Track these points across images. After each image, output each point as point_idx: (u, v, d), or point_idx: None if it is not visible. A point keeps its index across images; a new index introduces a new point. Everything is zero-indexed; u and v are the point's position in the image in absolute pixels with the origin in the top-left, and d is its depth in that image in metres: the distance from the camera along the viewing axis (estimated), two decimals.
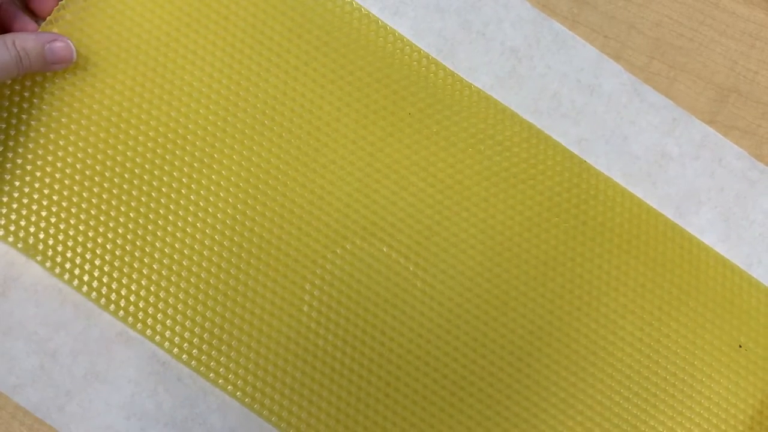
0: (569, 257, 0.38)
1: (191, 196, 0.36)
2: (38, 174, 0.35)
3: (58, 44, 0.35)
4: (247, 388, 0.35)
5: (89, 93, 0.36)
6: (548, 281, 0.37)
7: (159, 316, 0.35)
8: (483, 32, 0.39)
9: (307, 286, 0.36)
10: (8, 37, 0.33)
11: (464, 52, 0.39)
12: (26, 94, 0.36)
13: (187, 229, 0.36)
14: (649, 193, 0.39)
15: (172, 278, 0.35)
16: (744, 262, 0.39)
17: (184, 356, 0.35)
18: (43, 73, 0.36)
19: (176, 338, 0.35)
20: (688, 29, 0.40)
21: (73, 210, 0.35)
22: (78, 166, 0.36)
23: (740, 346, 0.38)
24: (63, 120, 0.36)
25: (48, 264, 0.35)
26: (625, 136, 0.39)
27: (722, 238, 0.39)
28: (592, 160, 0.39)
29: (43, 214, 0.35)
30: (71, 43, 0.35)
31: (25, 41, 0.33)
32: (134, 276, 0.35)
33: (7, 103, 0.35)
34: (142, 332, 0.35)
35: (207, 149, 0.36)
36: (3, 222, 0.35)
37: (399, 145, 0.38)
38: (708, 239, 0.39)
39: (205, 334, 0.35)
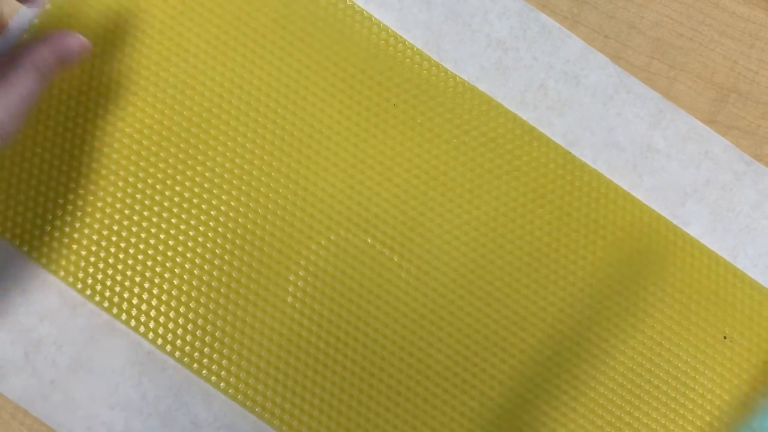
0: (554, 249, 0.38)
1: (176, 188, 0.36)
2: (24, 162, 0.35)
3: (71, 41, 0.33)
4: (231, 379, 0.35)
5: (77, 88, 0.36)
6: (533, 272, 0.37)
7: (143, 306, 0.35)
8: (469, 24, 0.39)
9: (291, 277, 0.36)
10: (26, 60, 0.31)
11: (450, 43, 0.39)
12: None
13: (172, 221, 0.36)
14: (635, 185, 0.39)
15: (156, 269, 0.35)
16: (729, 254, 0.39)
17: (168, 347, 0.35)
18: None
19: (160, 329, 0.35)
20: (688, 29, 0.40)
21: (60, 201, 0.35)
22: (56, 152, 0.36)
23: (725, 338, 0.38)
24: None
25: (34, 254, 0.35)
26: (611, 128, 0.39)
27: (708, 230, 0.39)
28: (578, 151, 0.39)
29: (29, 204, 0.35)
30: (79, 34, 0.33)
31: (41, 56, 0.31)
32: (119, 267, 0.35)
33: None
34: (127, 323, 0.35)
35: (191, 140, 0.36)
36: None
37: (383, 136, 0.38)
38: (693, 231, 0.39)
39: (189, 325, 0.35)
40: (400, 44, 0.38)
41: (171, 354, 0.35)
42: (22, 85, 0.31)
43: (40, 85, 0.32)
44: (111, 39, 0.37)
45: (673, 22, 0.40)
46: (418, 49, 0.39)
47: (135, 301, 0.35)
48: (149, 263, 0.35)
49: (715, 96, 0.40)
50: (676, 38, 0.40)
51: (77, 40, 0.33)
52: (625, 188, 0.39)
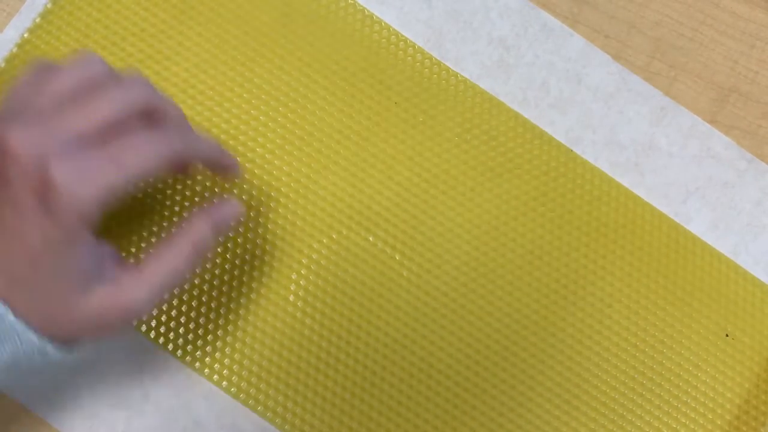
0: (556, 246, 0.38)
1: (177, 186, 0.36)
2: None
3: (228, 211, 0.30)
4: (233, 378, 0.35)
5: None
6: (535, 270, 0.37)
7: None
8: (470, 22, 0.39)
9: (293, 276, 0.36)
10: (183, 239, 0.29)
11: (451, 41, 0.39)
12: None
13: (174, 219, 0.36)
14: (637, 183, 0.39)
15: None
16: (731, 252, 0.39)
17: (170, 346, 0.35)
18: None
19: (162, 328, 0.35)
20: (688, 29, 0.40)
21: None
22: None
23: (727, 335, 0.38)
24: None
25: None
26: (613, 126, 0.39)
27: (710, 228, 0.39)
28: (580, 149, 0.39)
29: None
30: (234, 201, 0.31)
31: (200, 233, 0.29)
32: None
33: None
34: None
35: None
36: None
37: (385, 134, 0.38)
38: (695, 228, 0.39)
39: (191, 324, 0.35)
40: (402, 42, 0.38)
41: (173, 353, 0.35)
42: (174, 267, 0.28)
43: (194, 266, 0.30)
44: (112, 39, 0.37)
45: (674, 22, 0.40)
46: (419, 47, 0.39)
47: None
48: None
49: (716, 96, 0.40)
50: (676, 38, 0.40)
51: (234, 209, 0.31)
52: (626, 186, 0.39)
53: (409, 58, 0.38)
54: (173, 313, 0.35)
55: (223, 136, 0.37)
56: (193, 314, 0.35)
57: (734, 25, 0.40)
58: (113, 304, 0.27)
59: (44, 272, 0.26)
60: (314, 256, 0.36)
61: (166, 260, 0.28)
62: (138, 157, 0.26)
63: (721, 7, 0.40)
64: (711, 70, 0.40)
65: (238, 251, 0.36)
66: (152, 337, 0.35)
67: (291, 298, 0.36)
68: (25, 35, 0.37)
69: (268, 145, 0.37)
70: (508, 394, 0.36)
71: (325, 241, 0.36)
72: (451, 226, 0.37)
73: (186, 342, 0.35)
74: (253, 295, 0.36)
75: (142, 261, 0.28)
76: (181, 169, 0.33)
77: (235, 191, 0.36)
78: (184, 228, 0.29)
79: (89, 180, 0.25)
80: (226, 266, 0.36)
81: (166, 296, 0.28)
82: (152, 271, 0.28)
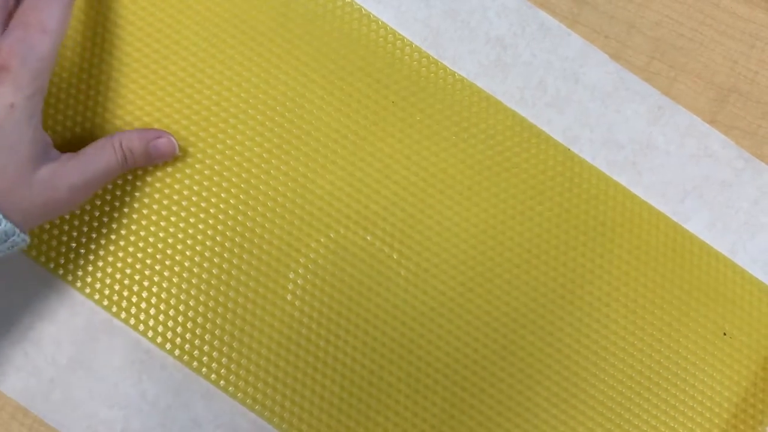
0: (553, 245, 0.38)
1: (175, 186, 0.36)
2: None
3: (162, 140, 0.34)
4: (231, 377, 0.35)
5: (76, 86, 0.36)
6: (532, 269, 0.37)
7: (143, 305, 0.35)
8: (468, 21, 0.39)
9: (291, 275, 0.36)
10: (115, 139, 0.33)
11: (449, 41, 0.39)
12: None
13: (171, 218, 0.36)
14: (634, 182, 0.39)
15: (156, 267, 0.35)
16: (729, 250, 0.39)
17: (167, 345, 0.35)
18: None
19: (160, 327, 0.35)
20: (688, 29, 0.40)
21: None
22: None
23: (725, 334, 0.38)
24: None
25: (34, 253, 0.35)
26: (610, 125, 0.39)
27: (707, 226, 0.39)
28: (577, 149, 0.39)
29: None
30: (173, 139, 0.35)
31: (131, 141, 0.33)
32: (118, 265, 0.35)
33: None
34: (126, 321, 0.35)
35: (191, 138, 0.36)
36: None
37: (382, 133, 0.38)
38: (693, 227, 0.39)
39: (189, 323, 0.35)
40: (399, 42, 0.38)
41: (170, 352, 0.35)
42: (101, 160, 0.32)
43: (120, 166, 0.33)
44: (111, 39, 0.37)
45: (674, 22, 0.40)
46: (416, 46, 0.39)
47: (134, 299, 0.35)
48: (148, 261, 0.35)
49: (715, 96, 0.40)
50: (676, 38, 0.40)
51: (168, 141, 0.35)
52: (624, 185, 0.39)
53: (407, 57, 0.38)
54: (171, 312, 0.35)
55: (220, 135, 0.37)
56: (191, 314, 0.35)
57: (734, 25, 0.40)
58: (60, 181, 0.30)
59: (5, 143, 0.28)
60: (312, 255, 0.36)
61: (101, 155, 0.32)
62: (53, 16, 0.29)
63: (721, 7, 0.40)
64: (711, 70, 0.40)
65: (235, 250, 0.36)
66: (150, 336, 0.35)
67: (289, 297, 0.36)
68: None
69: (265, 145, 0.37)
70: (506, 393, 0.36)
71: (322, 240, 0.36)
72: (448, 225, 0.37)
73: (184, 341, 0.35)
74: (250, 295, 0.36)
75: (78, 153, 0.31)
76: None
77: (233, 191, 0.36)
78: (119, 134, 0.33)
79: (33, 50, 0.28)
80: (224, 265, 0.36)
81: (99, 189, 0.33)
82: (90, 162, 0.31)
